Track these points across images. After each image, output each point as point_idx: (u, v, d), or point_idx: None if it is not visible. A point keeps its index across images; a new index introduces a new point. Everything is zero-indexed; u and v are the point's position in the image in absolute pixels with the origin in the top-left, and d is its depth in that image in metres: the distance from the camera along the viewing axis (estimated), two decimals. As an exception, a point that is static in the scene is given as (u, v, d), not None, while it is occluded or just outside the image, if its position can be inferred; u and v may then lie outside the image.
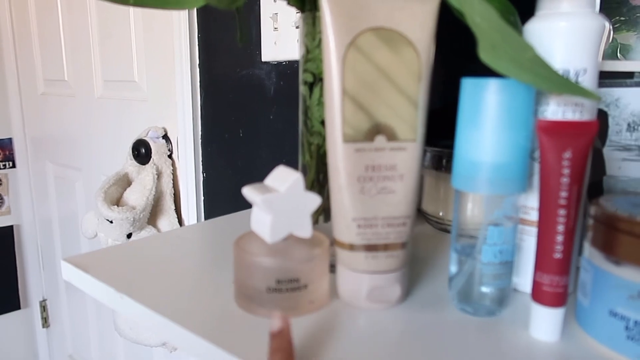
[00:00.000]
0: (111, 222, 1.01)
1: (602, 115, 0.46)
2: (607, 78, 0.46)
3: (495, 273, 0.35)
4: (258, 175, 0.96)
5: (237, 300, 0.38)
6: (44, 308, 1.82)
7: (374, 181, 0.36)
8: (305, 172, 0.46)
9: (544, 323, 0.32)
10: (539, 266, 0.31)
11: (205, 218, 1.08)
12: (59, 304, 1.72)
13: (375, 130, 0.36)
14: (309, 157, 0.44)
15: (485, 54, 0.32)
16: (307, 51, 0.42)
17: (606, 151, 0.46)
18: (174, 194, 1.12)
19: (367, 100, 0.35)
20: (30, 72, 1.60)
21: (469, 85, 0.34)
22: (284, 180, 0.36)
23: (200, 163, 1.06)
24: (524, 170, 0.34)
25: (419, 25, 0.35)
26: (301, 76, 0.43)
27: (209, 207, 1.07)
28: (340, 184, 0.36)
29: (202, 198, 1.08)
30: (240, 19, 0.50)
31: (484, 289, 0.35)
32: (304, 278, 0.35)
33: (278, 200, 0.35)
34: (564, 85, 0.30)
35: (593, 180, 0.46)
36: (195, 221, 1.08)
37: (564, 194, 0.29)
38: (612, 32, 0.58)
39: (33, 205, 1.76)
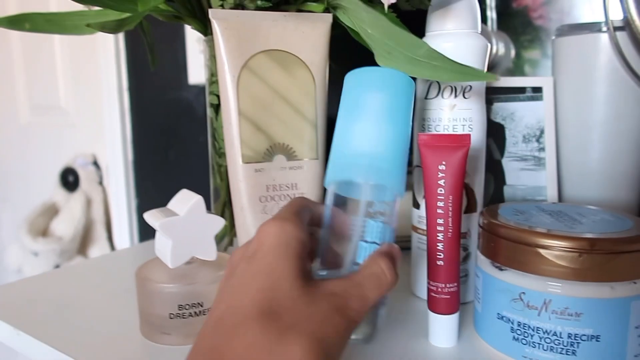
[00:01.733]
0: (36, 254, 0.96)
1: (499, 128, 0.49)
2: (502, 93, 0.49)
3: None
4: (192, 199, 0.94)
5: (142, 329, 0.37)
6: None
7: (275, 200, 0.37)
8: (217, 195, 0.46)
9: (440, 330, 0.33)
10: (428, 274, 0.33)
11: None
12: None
13: (274, 150, 0.36)
14: (219, 180, 0.44)
15: (382, 60, 0.33)
16: (212, 74, 0.42)
17: (505, 162, 0.49)
18: (106, 222, 1.08)
19: (264, 121, 0.36)
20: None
21: (349, 78, 0.31)
22: (185, 203, 0.36)
23: (133, 188, 1.03)
24: (400, 162, 0.29)
25: (311, 47, 0.36)
26: (208, 98, 0.44)
27: (143, 234, 1.04)
28: (242, 204, 0.37)
29: (136, 224, 1.05)
30: (149, 41, 0.50)
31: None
32: (207, 301, 0.35)
33: (178, 224, 0.35)
34: (461, 72, 0.31)
35: (494, 189, 0.49)
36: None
37: (440, 203, 0.31)
38: (513, 50, 0.62)
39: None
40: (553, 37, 0.51)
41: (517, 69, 0.62)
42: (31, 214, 1.03)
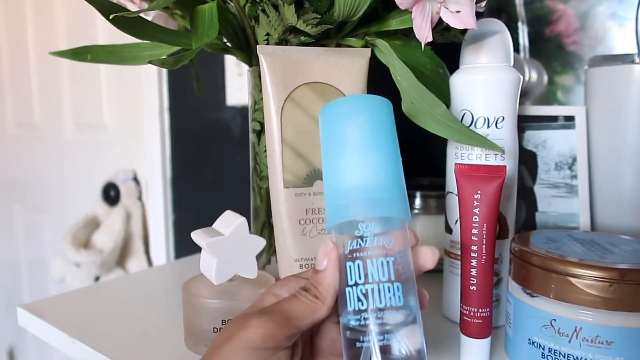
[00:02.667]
0: (78, 265, 1.01)
1: (531, 156, 0.50)
2: (534, 121, 0.50)
3: (362, 324, 0.25)
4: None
5: (187, 342, 0.39)
6: (11, 356, 1.76)
7: (314, 223, 0.39)
8: (256, 216, 0.48)
9: (472, 353, 0.34)
10: (462, 298, 0.34)
11: (176, 259, 1.09)
12: (26, 351, 1.67)
13: (314, 175, 0.39)
14: (259, 201, 0.47)
15: (406, 108, 0.35)
16: (255, 102, 0.45)
17: (537, 189, 0.50)
18: (144, 236, 1.12)
19: (305, 149, 0.38)
20: (0, 115, 1.61)
21: (322, 112, 0.29)
22: (229, 224, 0.38)
23: (170, 204, 1.07)
24: (397, 187, 0.27)
25: (350, 79, 0.39)
26: (250, 124, 0.46)
27: (179, 248, 1.07)
28: (283, 226, 0.39)
29: (172, 239, 1.08)
30: (195, 70, 0.53)
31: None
32: (249, 318, 0.37)
33: (223, 244, 0.37)
34: (472, 137, 0.34)
35: (526, 217, 0.50)
36: (165, 263, 1.08)
37: (475, 231, 0.32)
38: (545, 77, 0.63)
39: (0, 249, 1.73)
40: (586, 67, 0.52)
41: (550, 95, 0.63)
42: (74, 226, 1.08)
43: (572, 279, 0.30)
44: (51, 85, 1.37)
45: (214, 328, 0.37)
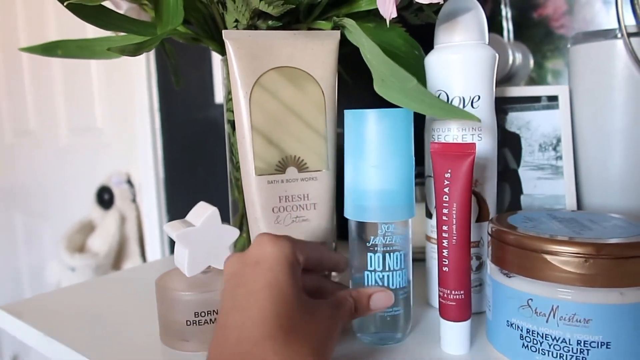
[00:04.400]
0: (73, 269, 1.00)
1: (515, 138, 0.49)
2: (517, 103, 0.49)
3: None
4: (221, 214, 0.97)
5: (162, 337, 0.38)
6: (15, 364, 1.76)
7: (287, 211, 0.38)
8: (235, 208, 0.47)
9: (451, 337, 0.33)
10: (438, 280, 0.33)
11: (171, 260, 1.08)
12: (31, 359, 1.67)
13: (286, 162, 0.38)
14: (237, 193, 0.46)
15: (377, 87, 0.34)
16: (228, 92, 0.44)
17: (521, 171, 0.48)
18: (139, 238, 1.12)
19: (276, 135, 0.37)
20: (-3, 125, 1.61)
21: (349, 117, 0.34)
22: (201, 214, 0.37)
23: (164, 205, 1.07)
24: (409, 190, 0.34)
25: (321, 63, 0.38)
26: (225, 115, 0.46)
27: (174, 249, 1.07)
28: (256, 215, 0.38)
29: (167, 240, 1.08)
30: (172, 64, 0.52)
31: (377, 318, 0.35)
32: (223, 309, 0.36)
33: (194, 235, 0.36)
34: (444, 109, 0.33)
35: (512, 200, 0.48)
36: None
37: (445, 210, 0.31)
38: (532, 60, 0.62)
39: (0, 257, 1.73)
40: (568, 45, 0.50)
41: (540, 79, 0.62)
42: (69, 230, 1.07)
43: (547, 256, 0.29)
44: (45, 92, 1.37)
45: (187, 321, 0.36)
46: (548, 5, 0.61)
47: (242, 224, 0.46)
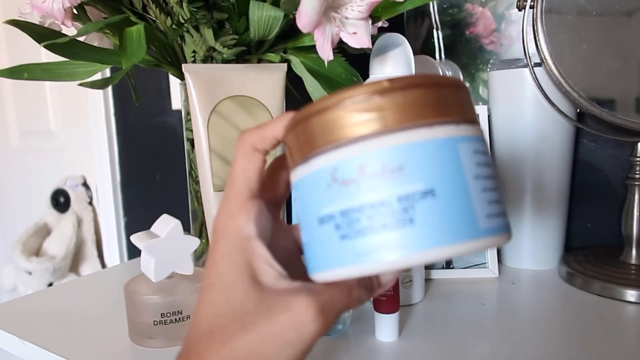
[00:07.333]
0: (30, 273, 1.01)
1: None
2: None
3: None
4: (178, 218, 1.00)
5: (130, 335, 0.43)
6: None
7: (242, 222, 0.43)
8: (195, 217, 0.52)
9: (382, 327, 0.40)
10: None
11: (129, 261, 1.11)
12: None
13: (241, 179, 0.43)
14: (197, 203, 0.51)
15: None
16: (187, 113, 0.49)
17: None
18: (97, 240, 1.13)
19: (230, 155, 0.42)
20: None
21: None
22: (164, 227, 0.42)
23: (121, 208, 1.09)
24: None
25: (270, 92, 0.43)
26: (185, 133, 0.50)
27: (131, 251, 1.09)
28: (215, 226, 0.43)
29: (125, 242, 1.10)
30: (132, 83, 0.56)
31: None
32: (186, 309, 0.41)
33: (159, 245, 0.41)
34: None
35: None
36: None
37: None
38: (461, 76, 0.69)
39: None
40: (488, 70, 0.58)
41: (473, 90, 0.69)
42: (24, 234, 1.08)
43: (335, 112, 0.21)
44: (-7, 93, 1.35)
45: (154, 321, 0.41)
46: (479, 24, 0.68)
47: (201, 230, 0.51)
